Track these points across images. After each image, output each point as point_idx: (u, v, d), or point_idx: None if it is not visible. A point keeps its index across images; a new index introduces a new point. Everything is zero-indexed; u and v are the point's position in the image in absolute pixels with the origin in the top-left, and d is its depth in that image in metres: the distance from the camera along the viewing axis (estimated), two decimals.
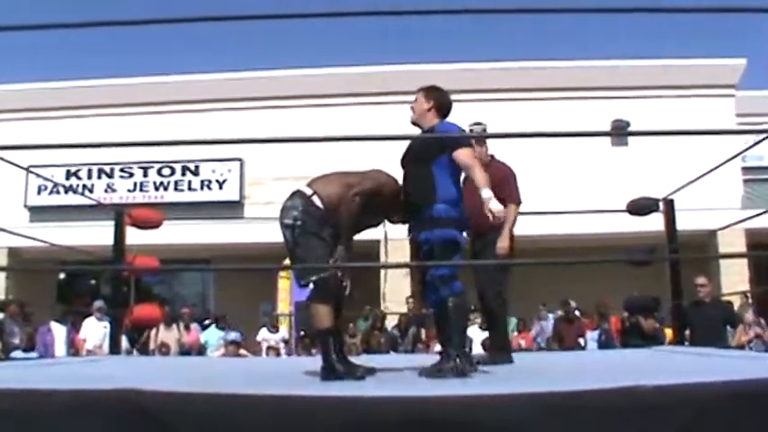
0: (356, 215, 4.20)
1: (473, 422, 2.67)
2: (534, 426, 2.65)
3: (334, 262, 4.14)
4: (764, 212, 6.00)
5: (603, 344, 11.37)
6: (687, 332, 7.42)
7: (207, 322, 14.32)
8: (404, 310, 13.65)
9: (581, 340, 12.03)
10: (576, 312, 12.82)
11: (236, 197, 17.34)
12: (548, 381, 3.66)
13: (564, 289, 13.34)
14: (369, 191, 4.24)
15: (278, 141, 14.65)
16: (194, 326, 13.67)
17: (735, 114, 16.99)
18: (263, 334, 13.47)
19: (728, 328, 9.68)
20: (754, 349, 9.45)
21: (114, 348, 7.11)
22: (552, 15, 16.98)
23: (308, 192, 4.25)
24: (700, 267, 12.65)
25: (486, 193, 4.24)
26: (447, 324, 4.37)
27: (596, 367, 4.88)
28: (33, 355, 10.67)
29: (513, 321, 13.95)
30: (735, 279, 14.75)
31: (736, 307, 11.12)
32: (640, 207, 7.04)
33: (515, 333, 13.50)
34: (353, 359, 4.57)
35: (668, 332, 9.50)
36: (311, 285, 4.18)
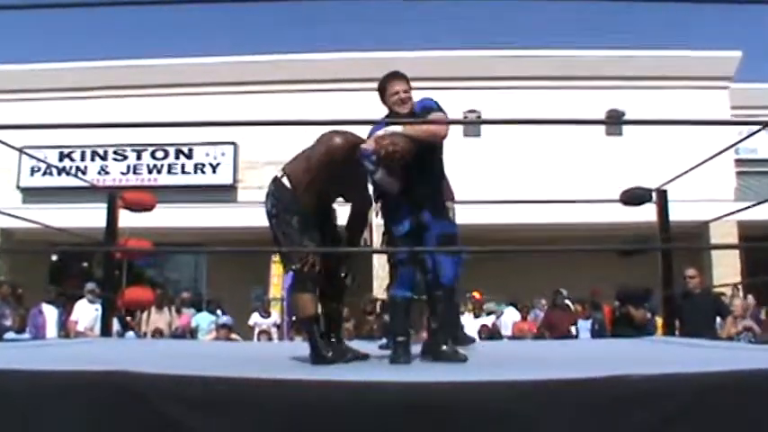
0: (315, 192, 4.21)
1: (462, 408, 2.68)
2: (523, 413, 2.67)
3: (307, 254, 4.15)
4: (757, 204, 6.01)
5: (596, 333, 11.40)
6: (677, 323, 7.46)
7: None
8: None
9: (573, 329, 12.05)
10: (567, 301, 12.84)
11: (229, 181, 17.32)
12: (537, 369, 3.67)
13: (556, 278, 13.37)
14: (318, 161, 4.23)
15: (272, 125, 14.64)
16: (188, 310, 13.69)
17: (730, 106, 17.01)
18: (255, 318, 13.50)
19: (719, 319, 9.70)
20: (743, 341, 9.47)
21: (105, 330, 7.11)
22: (548, 3, 16.97)
23: (279, 174, 4.29)
24: (692, 258, 12.69)
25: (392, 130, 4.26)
26: (447, 311, 4.45)
27: (586, 356, 4.90)
28: (25, 336, 10.66)
29: (506, 309, 14.00)
30: (727, 271, 14.80)
31: (727, 299, 11.14)
32: (633, 197, 7.05)
33: (516, 320, 13.54)
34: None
35: (658, 322, 9.54)
36: (291, 274, 4.25)
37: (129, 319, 11.90)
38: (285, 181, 4.22)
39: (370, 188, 4.48)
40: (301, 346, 4.56)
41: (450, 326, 5.46)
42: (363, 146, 4.23)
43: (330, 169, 4.22)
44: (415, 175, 4.34)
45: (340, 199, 4.53)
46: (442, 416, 2.68)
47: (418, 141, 4.25)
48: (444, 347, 4.27)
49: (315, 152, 4.27)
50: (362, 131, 4.36)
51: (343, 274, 4.43)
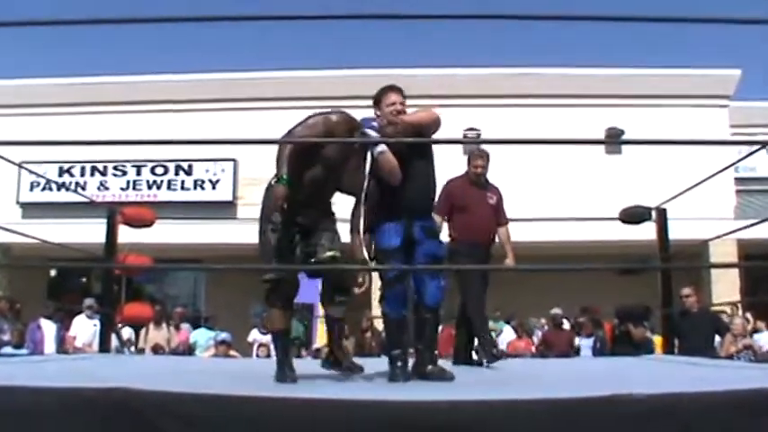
0: (288, 156, 4.18)
1: (462, 427, 2.67)
2: None
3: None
4: (757, 223, 6.01)
5: (598, 351, 11.39)
6: (676, 341, 7.45)
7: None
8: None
9: (579, 345, 12.07)
10: (565, 320, 12.86)
11: (229, 197, 17.29)
12: (538, 388, 3.66)
13: (555, 296, 13.35)
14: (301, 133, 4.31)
15: (272, 143, 14.64)
16: (185, 326, 13.66)
17: (729, 125, 17.01)
18: (254, 335, 13.46)
19: (717, 337, 9.67)
20: (743, 360, 9.45)
21: (104, 347, 7.10)
22: (548, 23, 17.01)
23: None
24: (691, 277, 12.68)
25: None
26: (434, 331, 4.48)
27: (586, 375, 4.89)
28: (23, 351, 10.63)
29: (504, 327, 13.99)
30: (726, 289, 14.75)
31: (729, 318, 11.11)
32: (633, 215, 7.07)
33: (512, 338, 13.54)
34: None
35: (657, 340, 9.53)
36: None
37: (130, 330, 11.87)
38: (273, 180, 4.20)
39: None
40: (300, 364, 4.54)
41: (488, 343, 6.06)
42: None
43: (327, 145, 4.23)
44: (408, 179, 4.38)
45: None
46: None
47: (416, 126, 4.47)
48: (430, 367, 4.27)
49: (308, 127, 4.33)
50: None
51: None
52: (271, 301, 4.21)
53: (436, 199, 5.78)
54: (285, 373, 4.03)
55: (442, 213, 6.31)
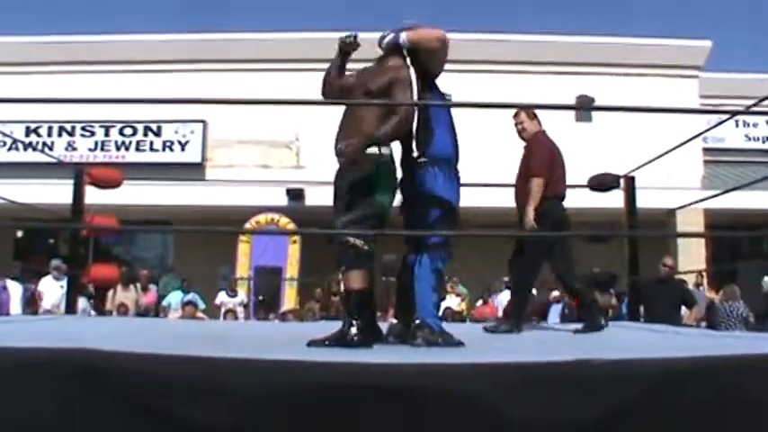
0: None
1: (427, 391, 2.68)
2: (486, 396, 2.67)
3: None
4: (723, 193, 6.08)
5: (566, 317, 11.53)
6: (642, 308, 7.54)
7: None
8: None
9: (553, 311, 12.21)
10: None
11: (198, 159, 17.18)
12: (500, 352, 3.69)
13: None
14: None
15: (242, 103, 14.55)
16: (153, 287, 13.65)
17: (698, 96, 17.12)
18: (222, 297, 13.47)
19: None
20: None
21: (70, 308, 7.06)
22: None
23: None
24: (658, 246, 12.78)
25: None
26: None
27: (551, 340, 4.93)
28: None
29: (464, 292, 14.14)
30: (692, 258, 14.92)
31: (690, 285, 11.26)
32: (601, 183, 7.09)
33: (478, 304, 13.67)
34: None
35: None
36: None
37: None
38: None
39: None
40: (269, 326, 4.53)
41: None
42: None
43: None
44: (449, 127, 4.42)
45: None
46: (412, 399, 2.68)
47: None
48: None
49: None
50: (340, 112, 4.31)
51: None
52: None
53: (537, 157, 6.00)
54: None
55: (546, 174, 6.23)
